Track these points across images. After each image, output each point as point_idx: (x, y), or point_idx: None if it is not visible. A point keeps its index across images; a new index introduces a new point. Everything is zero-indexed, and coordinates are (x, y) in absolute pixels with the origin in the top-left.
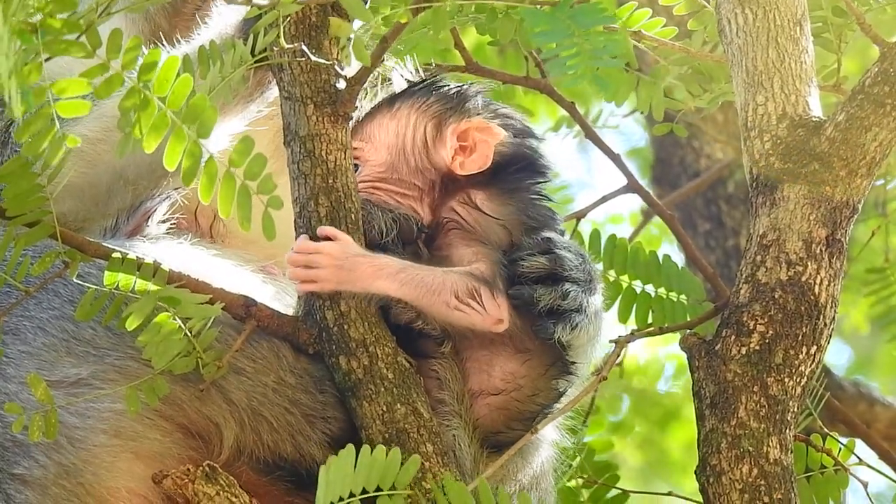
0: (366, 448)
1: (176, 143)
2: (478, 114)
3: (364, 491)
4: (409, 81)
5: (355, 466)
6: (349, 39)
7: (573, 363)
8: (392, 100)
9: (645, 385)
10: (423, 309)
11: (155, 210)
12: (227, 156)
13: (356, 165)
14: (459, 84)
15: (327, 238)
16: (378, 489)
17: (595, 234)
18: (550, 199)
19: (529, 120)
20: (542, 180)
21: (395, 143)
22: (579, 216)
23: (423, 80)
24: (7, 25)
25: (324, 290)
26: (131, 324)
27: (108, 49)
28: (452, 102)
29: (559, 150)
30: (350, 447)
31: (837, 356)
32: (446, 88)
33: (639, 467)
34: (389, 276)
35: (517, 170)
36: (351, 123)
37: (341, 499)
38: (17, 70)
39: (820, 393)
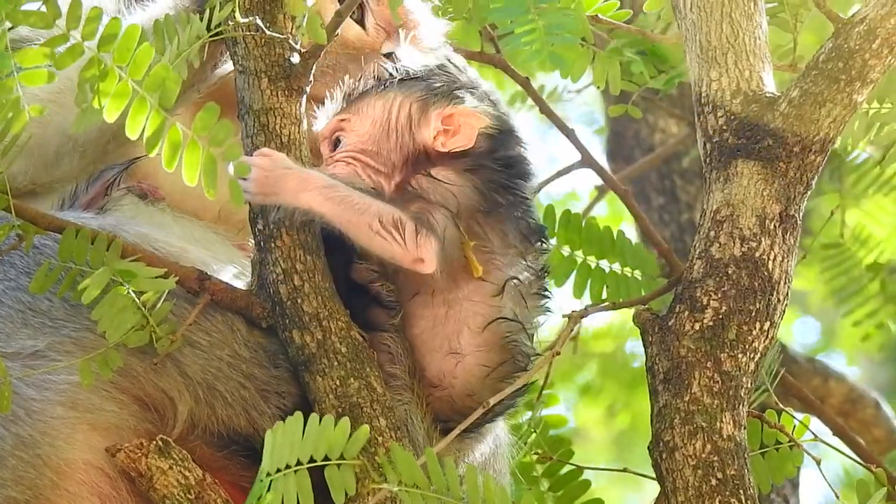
0: (314, 416)
1: (138, 111)
2: (464, 102)
3: (312, 460)
4: (404, 68)
5: (303, 434)
6: (304, 16)
7: (524, 367)
8: (385, 80)
9: (612, 350)
10: (345, 228)
11: (114, 180)
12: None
13: (338, 139)
14: (453, 75)
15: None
16: (326, 458)
17: (549, 210)
18: (524, 197)
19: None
20: (517, 176)
21: (382, 116)
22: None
23: (419, 69)
24: None
25: (253, 202)
26: (88, 297)
27: (67, 19)
28: (444, 88)
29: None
30: (298, 414)
31: (805, 334)
32: (436, 76)
33: (612, 436)
34: (315, 190)
35: (494, 163)
36: (342, 101)
37: (288, 466)
38: None
39: (776, 369)
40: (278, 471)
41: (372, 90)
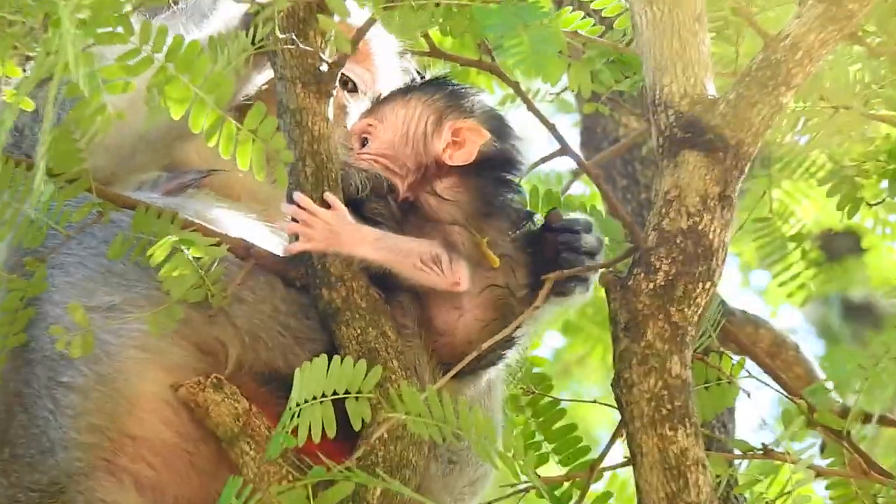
0: (336, 358)
1: (199, 111)
2: (472, 116)
3: (335, 393)
4: (422, 77)
5: (327, 373)
6: (332, 31)
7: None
8: (407, 90)
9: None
10: (394, 270)
11: (191, 183)
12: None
13: (365, 139)
14: (463, 86)
15: (326, 204)
16: (347, 392)
17: (534, 189)
18: (515, 190)
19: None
20: (510, 174)
21: (402, 128)
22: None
23: (435, 77)
24: (71, 23)
25: (315, 250)
26: (155, 261)
27: (140, 37)
28: (454, 102)
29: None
30: (323, 356)
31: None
32: (452, 88)
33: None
34: (369, 243)
35: (491, 166)
36: (371, 101)
37: (315, 398)
38: (80, 58)
39: (717, 320)
40: (306, 401)
41: (397, 96)
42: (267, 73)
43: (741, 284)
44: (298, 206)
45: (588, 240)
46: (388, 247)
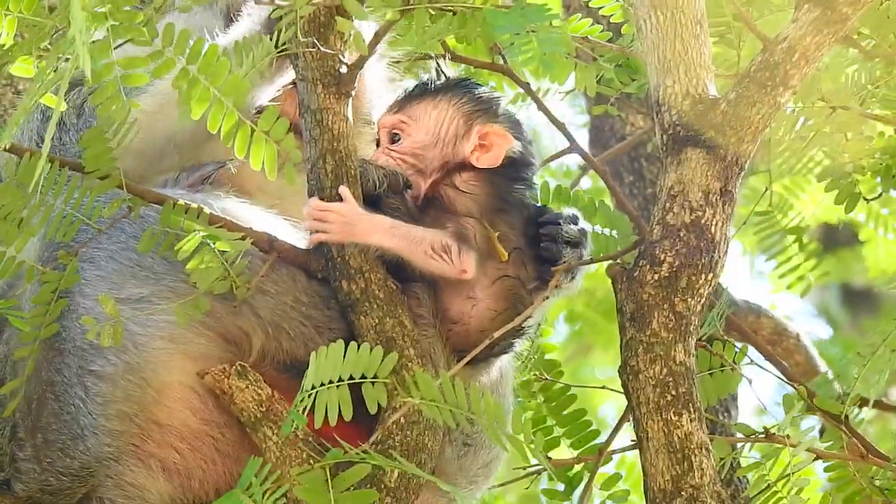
0: (353, 344)
1: (217, 112)
2: (498, 120)
3: (351, 378)
4: (450, 77)
5: (344, 358)
6: (351, 34)
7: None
8: (437, 91)
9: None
10: (406, 257)
11: (210, 175)
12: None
13: (397, 135)
14: (490, 91)
15: (339, 196)
16: (363, 376)
17: (545, 185)
18: (530, 188)
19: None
20: (525, 175)
21: (434, 129)
22: None
23: (460, 80)
24: (84, 12)
25: (332, 241)
26: (182, 255)
27: (162, 39)
28: (483, 106)
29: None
30: (340, 342)
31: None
32: (480, 92)
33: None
34: (382, 231)
35: (509, 166)
36: (402, 96)
37: (331, 381)
38: (92, 46)
39: (724, 311)
40: (322, 385)
41: (427, 96)
42: (289, 75)
43: (745, 272)
44: (312, 208)
45: (569, 230)
46: (401, 234)
